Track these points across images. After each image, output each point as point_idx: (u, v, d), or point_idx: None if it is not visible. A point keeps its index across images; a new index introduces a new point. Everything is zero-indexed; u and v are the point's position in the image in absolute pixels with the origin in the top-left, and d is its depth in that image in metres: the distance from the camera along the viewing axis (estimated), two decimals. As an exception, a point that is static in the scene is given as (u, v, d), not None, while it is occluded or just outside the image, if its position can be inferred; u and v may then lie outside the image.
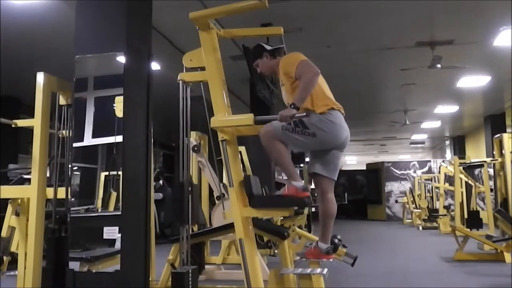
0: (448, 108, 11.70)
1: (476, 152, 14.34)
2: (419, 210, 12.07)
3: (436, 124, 14.06)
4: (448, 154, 19.20)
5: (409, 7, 5.49)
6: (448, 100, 10.97)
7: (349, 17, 5.82)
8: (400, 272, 5.68)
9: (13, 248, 3.88)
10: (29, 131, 3.16)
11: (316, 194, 3.07)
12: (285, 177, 2.95)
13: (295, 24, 5.83)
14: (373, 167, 17.19)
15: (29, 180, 3.15)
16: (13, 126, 3.57)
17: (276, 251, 5.88)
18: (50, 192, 3.19)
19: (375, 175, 16.60)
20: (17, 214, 3.51)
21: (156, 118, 3.35)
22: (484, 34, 6.33)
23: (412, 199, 12.80)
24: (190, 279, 2.70)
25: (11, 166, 6.07)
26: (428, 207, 11.85)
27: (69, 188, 3.13)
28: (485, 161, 7.88)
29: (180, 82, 2.95)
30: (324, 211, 2.99)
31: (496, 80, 8.73)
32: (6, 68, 6.65)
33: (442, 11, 5.64)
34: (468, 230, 6.69)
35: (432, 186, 12.68)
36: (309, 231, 7.93)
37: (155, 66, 6.27)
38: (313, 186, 3.21)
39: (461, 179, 7.97)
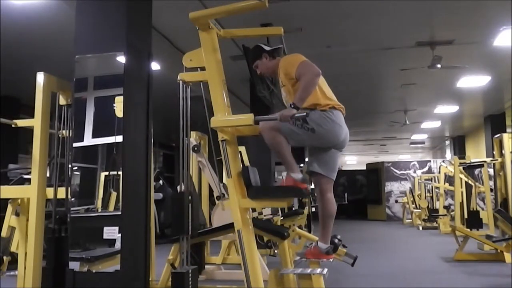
0: (448, 108, 11.70)
1: (476, 152, 14.34)
2: (419, 210, 12.07)
3: (436, 124, 14.07)
4: (448, 154, 19.20)
5: (409, 7, 5.49)
6: (448, 100, 10.97)
7: (349, 17, 5.82)
8: (400, 272, 5.68)
9: (13, 248, 3.88)
10: (29, 131, 3.16)
11: (315, 194, 3.07)
12: (283, 165, 2.95)
13: (295, 24, 5.83)
14: (373, 167, 17.19)
15: (29, 180, 3.15)
16: (13, 126, 3.57)
17: (276, 251, 5.88)
18: (50, 192, 3.19)
19: (375, 175, 16.60)
20: (17, 214, 3.51)
21: (156, 118, 3.35)
22: (484, 34, 6.33)
23: (412, 199, 12.80)
24: (190, 279, 2.70)
25: (11, 166, 6.06)
26: (428, 207, 11.85)
27: (69, 188, 3.13)
28: (485, 161, 7.88)
29: (180, 82, 2.94)
30: (323, 211, 2.99)
31: (496, 80, 8.73)
32: (6, 68, 6.65)
33: (442, 11, 5.64)
34: (468, 230, 6.69)
35: (432, 186, 12.68)
36: (309, 231, 7.94)
37: (155, 66, 6.27)
38: (313, 186, 3.21)
39: (461, 179, 7.97)
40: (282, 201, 2.94)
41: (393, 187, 15.99)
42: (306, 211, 8.33)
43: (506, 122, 12.15)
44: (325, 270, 2.98)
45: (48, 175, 3.19)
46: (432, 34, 6.45)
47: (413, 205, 12.68)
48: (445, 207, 11.24)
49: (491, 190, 8.70)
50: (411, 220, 13.00)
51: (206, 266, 5.35)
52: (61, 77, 3.25)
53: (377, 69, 8.34)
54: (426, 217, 11.64)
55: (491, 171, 9.33)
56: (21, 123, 3.56)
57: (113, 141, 3.10)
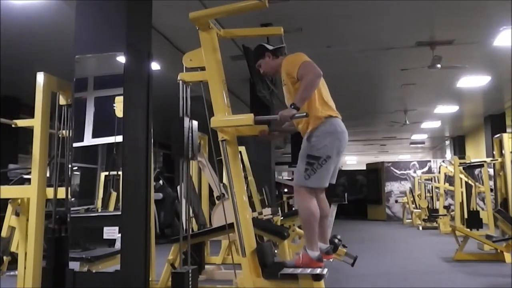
0: (448, 108, 11.70)
1: (476, 152, 14.35)
2: (419, 210, 12.07)
3: (436, 124, 14.07)
4: (448, 154, 19.20)
5: (409, 7, 5.49)
6: (448, 100, 10.97)
7: (349, 17, 5.82)
8: (400, 272, 5.68)
9: (13, 248, 3.88)
10: (29, 131, 3.16)
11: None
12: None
13: (295, 24, 5.83)
14: (373, 167, 17.19)
15: (29, 180, 3.15)
16: (13, 126, 3.57)
17: (276, 251, 5.88)
18: (50, 192, 3.19)
19: (375, 175, 16.60)
20: (17, 214, 3.51)
21: (156, 118, 3.35)
22: (484, 34, 6.33)
23: (412, 199, 12.80)
24: (190, 279, 2.70)
25: (11, 166, 6.06)
26: (428, 207, 11.85)
27: (69, 188, 3.13)
28: (485, 161, 7.88)
29: (180, 82, 2.94)
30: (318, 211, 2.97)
31: (496, 80, 8.73)
32: (6, 68, 6.65)
33: (442, 11, 5.64)
34: (468, 230, 6.68)
35: (432, 186, 12.68)
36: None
37: (155, 66, 6.28)
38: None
39: (461, 179, 7.97)
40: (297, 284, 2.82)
41: (393, 187, 15.99)
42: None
43: (506, 122, 12.15)
44: (325, 270, 2.98)
45: (48, 175, 3.18)
46: (432, 34, 6.46)
47: (413, 205, 12.68)
48: (445, 207, 11.24)
49: (491, 190, 8.70)
50: (411, 220, 13.00)
51: (206, 266, 5.35)
52: (61, 77, 3.25)
53: (377, 69, 8.34)
54: (426, 217, 11.64)
55: (491, 171, 9.32)
56: (21, 123, 3.56)
57: (113, 141, 3.10)
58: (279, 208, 6.81)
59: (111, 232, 3.01)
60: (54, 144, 3.24)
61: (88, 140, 3.14)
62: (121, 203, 2.96)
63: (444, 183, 11.16)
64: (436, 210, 11.45)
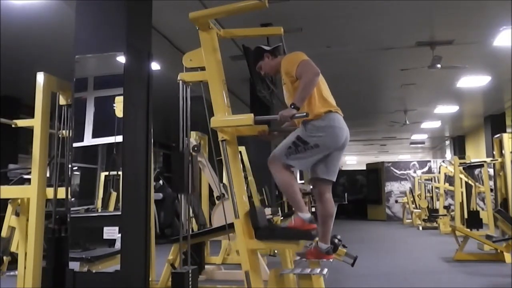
0: (448, 108, 11.70)
1: (476, 152, 14.35)
2: (419, 210, 12.07)
3: (436, 124, 14.07)
4: (448, 154, 19.21)
5: (409, 7, 5.49)
6: (448, 100, 10.97)
7: (349, 17, 5.82)
8: (400, 272, 5.68)
9: (13, 248, 3.88)
10: (29, 131, 3.16)
11: (314, 195, 3.07)
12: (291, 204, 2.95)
13: (295, 24, 5.83)
14: (373, 167, 17.18)
15: (29, 180, 3.15)
16: (13, 126, 3.57)
17: (276, 251, 5.88)
18: (50, 192, 3.19)
19: (375, 175, 16.60)
20: (17, 214, 3.51)
21: (156, 118, 3.35)
22: (484, 34, 6.33)
23: (412, 199, 12.80)
24: (190, 279, 2.70)
25: (11, 166, 6.06)
26: (428, 207, 11.85)
27: (69, 188, 3.13)
28: (485, 161, 7.88)
29: (180, 82, 2.94)
30: (322, 211, 2.99)
31: (496, 80, 8.73)
32: (6, 68, 6.65)
33: (442, 11, 5.64)
34: (468, 230, 6.68)
35: (432, 186, 12.68)
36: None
37: (155, 66, 6.28)
38: (311, 186, 3.21)
39: (461, 179, 7.96)
40: (290, 243, 2.89)
41: (393, 187, 15.99)
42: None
43: (506, 122, 12.15)
44: (325, 270, 2.98)
45: (48, 175, 3.19)
46: (432, 34, 6.46)
47: (413, 205, 12.68)
48: (445, 207, 11.24)
49: (491, 190, 8.70)
50: (411, 220, 13.00)
51: (206, 266, 5.35)
52: (61, 77, 3.25)
53: (377, 69, 8.34)
54: (426, 217, 11.63)
55: (491, 171, 9.32)
56: (21, 123, 3.56)
57: (113, 141, 3.10)
58: (279, 208, 6.81)
59: (111, 232, 3.01)
60: (54, 144, 3.24)
61: (88, 140, 3.14)
62: (121, 203, 2.96)
63: (444, 183, 11.16)
64: (436, 210, 11.45)
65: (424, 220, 11.72)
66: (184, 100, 2.94)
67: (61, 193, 3.16)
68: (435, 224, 11.19)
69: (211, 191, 5.74)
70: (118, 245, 2.91)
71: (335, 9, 5.54)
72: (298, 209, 2.82)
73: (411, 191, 13.25)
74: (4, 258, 3.91)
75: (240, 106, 9.42)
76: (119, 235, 2.93)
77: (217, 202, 4.72)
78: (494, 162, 6.98)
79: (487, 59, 7.51)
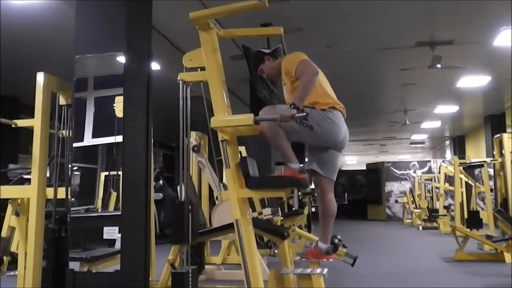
0: (448, 108, 11.70)
1: (476, 152, 14.34)
2: (419, 210, 12.07)
3: (436, 124, 14.07)
4: (448, 154, 19.20)
5: (409, 7, 5.49)
6: (448, 100, 10.97)
7: (349, 17, 5.82)
8: (400, 272, 5.68)
9: (13, 248, 3.88)
10: (29, 131, 3.16)
11: (316, 194, 3.08)
12: (281, 156, 2.95)
13: (295, 24, 5.83)
14: (373, 167, 17.18)
15: (29, 180, 3.15)
16: (13, 126, 3.56)
17: (276, 251, 5.88)
18: (50, 192, 3.19)
19: (375, 175, 16.60)
20: (17, 214, 3.51)
21: (156, 118, 3.35)
22: (484, 34, 6.33)
23: (412, 199, 12.80)
24: (190, 279, 2.70)
25: (11, 166, 6.06)
26: (428, 207, 11.85)
27: (69, 188, 3.13)
28: (485, 161, 7.88)
29: (180, 82, 2.94)
30: (324, 211, 3.00)
31: (496, 80, 8.73)
32: (6, 68, 6.65)
33: (442, 11, 5.64)
34: (468, 230, 6.69)
35: (432, 186, 12.68)
36: (309, 231, 7.93)
37: (155, 66, 6.27)
38: (313, 186, 3.22)
39: (461, 179, 7.96)
40: (281, 191, 2.93)
41: (393, 187, 15.99)
42: (306, 211, 8.33)
43: (506, 122, 12.15)
44: (325, 270, 2.98)
45: (48, 175, 3.18)
46: (432, 34, 6.45)
47: (413, 205, 12.68)
48: (445, 207, 11.24)
49: (491, 190, 8.70)
50: (411, 220, 13.00)
51: (206, 266, 5.35)
52: (61, 77, 3.25)
53: (377, 69, 8.34)
54: (426, 217, 11.64)
55: (491, 171, 9.32)
56: (21, 123, 3.56)
57: (113, 141, 3.10)
58: (279, 208, 6.81)
59: (111, 232, 3.01)
60: (54, 144, 3.24)
61: (88, 140, 3.14)
62: (121, 203, 2.96)
63: (444, 183, 11.17)
64: (436, 210, 11.45)
65: (424, 220, 11.73)
66: (184, 100, 2.94)
67: (61, 193, 3.16)
68: (435, 224, 11.19)
69: (211, 191, 5.73)
70: (118, 245, 2.91)
71: (335, 9, 5.54)
72: (288, 159, 2.83)
73: (411, 191, 13.25)
74: (4, 258, 3.91)
75: (240, 106, 9.42)
76: (119, 235, 2.93)
77: (217, 202, 4.72)
78: (494, 162, 6.98)
79: (487, 59, 7.51)
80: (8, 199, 3.51)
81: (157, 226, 8.55)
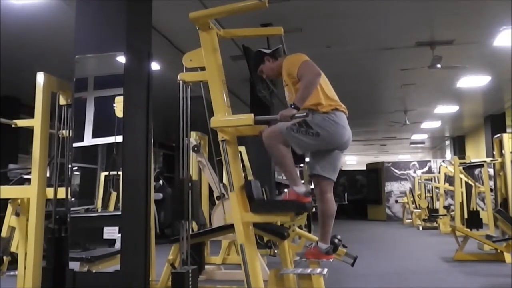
0: (448, 108, 11.70)
1: (476, 152, 14.34)
2: (419, 210, 12.08)
3: (436, 124, 14.06)
4: (448, 154, 19.20)
5: (409, 7, 5.49)
6: (448, 100, 10.97)
7: (349, 17, 5.81)
8: (400, 272, 5.68)
9: (13, 248, 3.88)
10: (29, 131, 3.16)
11: (315, 195, 3.07)
12: (285, 178, 2.95)
13: (295, 24, 5.83)
14: (373, 167, 17.19)
15: (29, 180, 3.15)
16: (13, 126, 3.57)
17: (276, 251, 5.88)
18: (50, 192, 3.19)
19: (375, 175, 16.60)
20: (17, 214, 3.51)
21: (156, 118, 3.35)
22: (484, 34, 6.33)
23: (412, 199, 12.80)
24: (190, 279, 2.70)
25: (11, 166, 6.06)
26: (428, 207, 11.85)
27: (69, 188, 3.13)
28: (485, 161, 7.88)
29: (180, 82, 2.95)
30: (323, 211, 2.99)
31: (496, 80, 8.73)
32: (6, 68, 6.65)
33: (442, 11, 5.64)
34: (468, 230, 6.69)
35: (432, 186, 12.68)
36: (309, 231, 7.93)
37: (155, 66, 6.27)
38: (312, 186, 3.22)
39: (461, 179, 7.96)
40: (285, 215, 2.89)
41: (393, 187, 15.99)
42: (306, 211, 8.32)
43: (506, 122, 12.14)
44: (325, 270, 2.98)
45: (48, 175, 3.18)
46: (432, 34, 6.45)
47: (413, 205, 12.69)
48: (445, 207, 11.24)
49: (491, 190, 8.70)
50: (411, 220, 13.00)
51: (206, 266, 5.35)
52: (61, 77, 3.25)
53: (377, 69, 8.34)
54: (426, 217, 11.64)
55: (491, 171, 9.32)
56: (21, 123, 3.56)
57: (113, 141, 3.10)
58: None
59: (111, 232, 3.01)
60: (54, 144, 3.24)
61: (88, 140, 3.14)
62: (121, 203, 2.96)
63: (444, 183, 11.17)
64: (436, 210, 11.45)
65: (424, 220, 11.73)
66: (184, 100, 2.94)
67: (61, 193, 3.16)
68: (435, 224, 11.19)
69: (211, 191, 5.73)
70: (118, 245, 2.91)
71: (335, 9, 5.54)
72: (293, 182, 2.83)
73: (411, 191, 13.25)
74: (4, 258, 3.91)
75: (240, 106, 9.42)
76: (119, 235, 2.93)
77: (217, 202, 4.72)
78: (494, 162, 6.99)
79: (487, 59, 7.51)
80: (8, 199, 3.51)
81: (157, 226, 8.55)
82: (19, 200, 3.41)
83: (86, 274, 2.96)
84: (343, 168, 21.16)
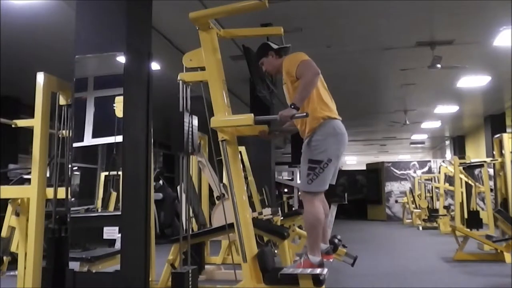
0: (448, 108, 11.70)
1: (476, 152, 14.34)
2: (419, 210, 12.08)
3: (436, 124, 14.06)
4: (448, 154, 19.20)
5: (409, 7, 5.49)
6: (448, 100, 10.97)
7: (349, 17, 5.81)
8: (400, 272, 5.68)
9: (13, 248, 3.88)
10: (29, 131, 3.16)
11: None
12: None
13: (295, 24, 5.83)
14: (373, 167, 17.19)
15: (29, 180, 3.15)
16: (13, 126, 3.56)
17: (276, 251, 5.88)
18: (50, 192, 3.19)
19: (375, 175, 16.60)
20: (17, 214, 3.51)
21: (156, 118, 3.35)
22: (484, 34, 6.33)
23: (412, 199, 12.81)
24: (190, 279, 2.70)
25: (11, 166, 6.06)
26: (428, 207, 11.86)
27: (69, 188, 3.13)
28: (485, 161, 7.88)
29: (180, 82, 2.94)
30: (309, 218, 2.95)
31: (496, 80, 8.73)
32: (6, 68, 6.65)
33: (442, 11, 5.64)
34: (468, 230, 6.69)
35: (432, 186, 12.68)
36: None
37: (155, 66, 6.27)
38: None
39: (461, 179, 7.97)
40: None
41: (393, 187, 15.99)
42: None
43: (506, 122, 12.15)
44: (325, 270, 2.98)
45: (48, 175, 3.18)
46: (432, 34, 6.45)
47: (413, 205, 12.69)
48: (445, 207, 11.24)
49: (491, 190, 8.70)
50: (411, 220, 13.00)
51: (206, 266, 5.35)
52: (61, 77, 3.25)
53: (377, 69, 8.34)
54: (426, 217, 11.64)
55: (491, 171, 9.32)
56: (21, 123, 3.56)
57: (113, 141, 3.10)
58: (279, 208, 6.81)
59: (111, 232, 3.01)
60: (54, 144, 3.24)
61: (88, 140, 3.14)
62: (121, 203, 2.96)
63: (444, 183, 11.17)
64: (436, 210, 11.46)
65: (424, 220, 11.73)
66: (184, 100, 2.94)
67: (61, 193, 3.16)
68: (435, 224, 11.19)
69: (211, 191, 5.74)
70: (118, 245, 2.91)
71: (335, 9, 5.54)
72: (311, 250, 2.78)
73: (411, 191, 13.25)
74: (4, 258, 3.91)
75: (240, 106, 9.42)
76: (119, 235, 2.93)
77: (217, 202, 4.72)
78: (494, 162, 6.99)
79: (487, 59, 7.51)
80: (8, 199, 3.51)
81: (157, 226, 8.55)
82: (19, 200, 3.41)
83: (86, 274, 2.96)
84: (343, 168, 21.17)
